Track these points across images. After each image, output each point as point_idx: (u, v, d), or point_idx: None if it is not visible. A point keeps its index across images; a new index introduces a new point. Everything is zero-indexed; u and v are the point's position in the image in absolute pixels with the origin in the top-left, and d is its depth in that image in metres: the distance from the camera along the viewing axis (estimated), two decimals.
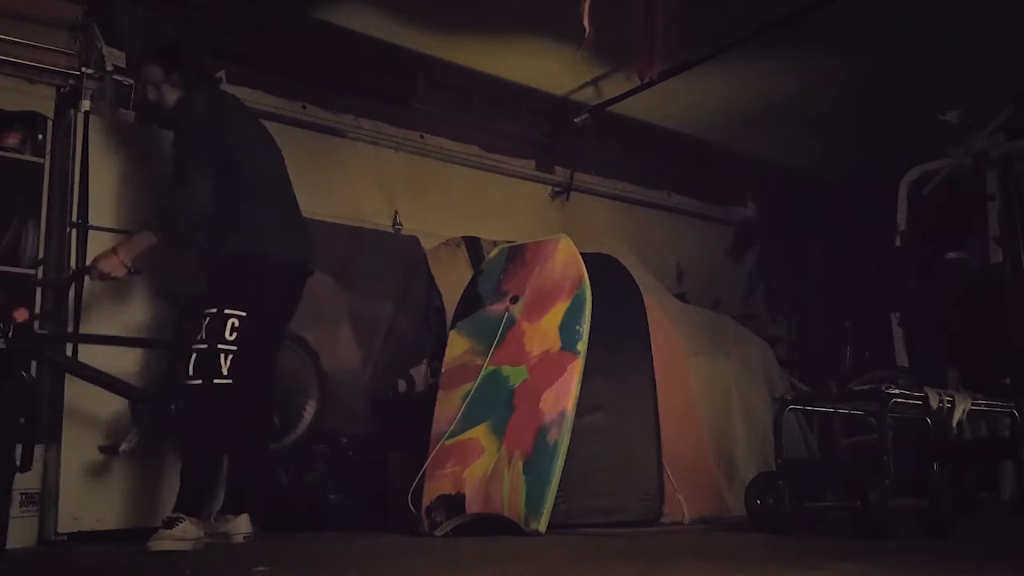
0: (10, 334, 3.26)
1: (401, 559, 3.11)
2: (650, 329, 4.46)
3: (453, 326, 4.49)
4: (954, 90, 5.73)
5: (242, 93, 4.99)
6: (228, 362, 3.43)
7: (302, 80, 5.20)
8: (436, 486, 3.94)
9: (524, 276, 4.30)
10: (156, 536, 3.24)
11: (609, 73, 5.74)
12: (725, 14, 4.88)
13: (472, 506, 3.83)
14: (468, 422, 4.03)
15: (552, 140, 6.39)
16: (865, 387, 4.30)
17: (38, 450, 3.69)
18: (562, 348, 3.97)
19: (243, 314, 3.48)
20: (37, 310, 3.80)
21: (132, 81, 4.18)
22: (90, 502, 3.74)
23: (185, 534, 3.26)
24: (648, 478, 4.13)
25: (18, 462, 3.17)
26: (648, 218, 6.89)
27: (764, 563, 2.79)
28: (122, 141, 4.06)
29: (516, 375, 4.03)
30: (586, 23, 4.12)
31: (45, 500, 3.69)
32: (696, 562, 2.85)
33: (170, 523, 3.27)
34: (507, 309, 4.23)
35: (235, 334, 3.45)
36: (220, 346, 3.42)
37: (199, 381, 3.42)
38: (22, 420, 3.18)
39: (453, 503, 3.86)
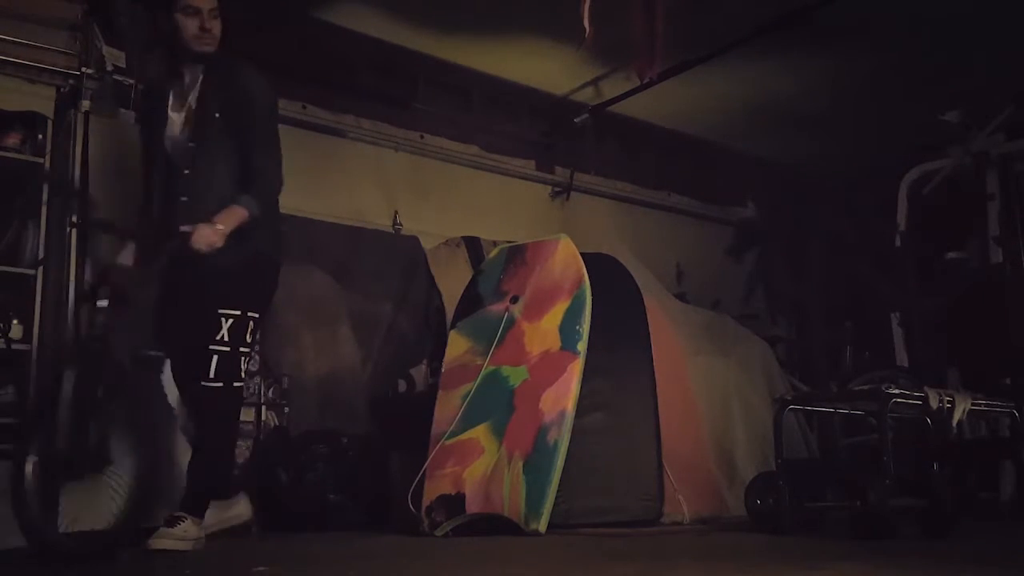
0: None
1: (401, 559, 3.10)
2: (650, 329, 4.46)
3: (453, 326, 4.49)
4: (954, 90, 5.72)
5: None
6: (245, 365, 3.44)
7: (302, 80, 5.20)
8: (436, 486, 3.94)
9: (524, 276, 4.30)
10: (157, 534, 3.24)
11: (609, 73, 5.74)
12: (725, 14, 4.89)
13: (472, 506, 3.83)
14: (468, 422, 4.03)
15: (552, 140, 6.39)
16: (865, 387, 4.30)
17: None
18: (562, 348, 3.97)
19: (258, 317, 3.47)
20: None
21: (132, 81, 4.18)
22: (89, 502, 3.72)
23: (186, 534, 3.26)
24: (648, 478, 4.13)
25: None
26: (648, 218, 6.89)
27: (764, 563, 2.79)
28: (122, 141, 4.06)
29: (516, 375, 4.03)
30: (586, 23, 4.12)
31: None
32: (696, 562, 2.85)
33: (172, 522, 3.26)
34: (507, 309, 4.23)
35: (251, 337, 3.43)
36: (242, 349, 3.39)
37: (220, 384, 3.36)
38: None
39: (453, 503, 3.87)
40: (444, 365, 4.37)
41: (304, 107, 5.22)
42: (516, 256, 4.44)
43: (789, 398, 4.21)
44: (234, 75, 3.44)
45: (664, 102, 5.97)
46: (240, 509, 3.60)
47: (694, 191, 7.20)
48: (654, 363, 4.38)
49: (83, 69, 4.12)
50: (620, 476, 4.04)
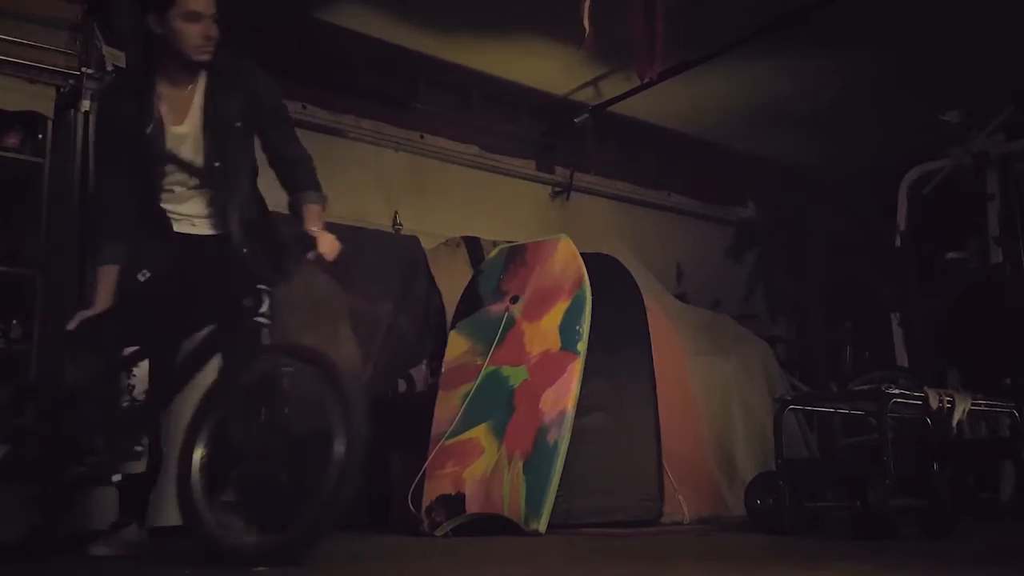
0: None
1: (401, 559, 3.11)
2: (650, 329, 4.46)
3: (453, 326, 4.49)
4: (954, 90, 5.72)
5: None
6: None
7: (302, 80, 5.20)
8: (436, 486, 3.94)
9: (524, 276, 4.30)
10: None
11: (609, 73, 5.74)
12: (725, 14, 4.88)
13: (472, 506, 3.83)
14: (468, 422, 4.03)
15: (552, 140, 6.39)
16: (865, 387, 4.29)
17: None
18: (562, 348, 3.97)
19: None
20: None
21: None
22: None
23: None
24: (648, 478, 4.13)
25: None
26: (648, 218, 6.90)
27: (764, 563, 2.79)
28: None
29: (516, 375, 4.03)
30: (586, 23, 4.12)
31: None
32: (696, 562, 2.84)
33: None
34: (507, 309, 4.23)
35: None
36: None
37: None
38: None
39: (453, 503, 3.86)
40: (444, 365, 4.37)
41: (304, 107, 5.22)
42: (516, 256, 4.44)
43: (789, 398, 4.21)
44: (244, 78, 3.17)
45: (664, 102, 5.97)
46: None
47: (694, 191, 7.21)
48: (654, 363, 4.37)
49: (83, 69, 4.10)
50: (620, 476, 4.04)
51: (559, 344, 3.99)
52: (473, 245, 5.62)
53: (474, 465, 3.91)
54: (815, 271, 7.33)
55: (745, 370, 5.28)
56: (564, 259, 4.22)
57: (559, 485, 3.71)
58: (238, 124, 3.13)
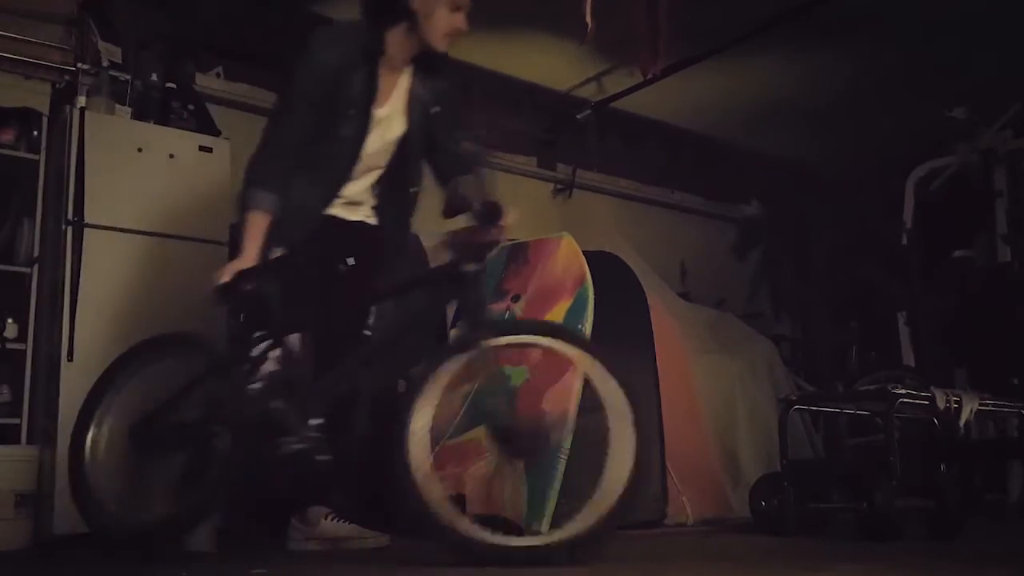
0: None
1: (401, 559, 3.06)
2: (653, 328, 4.43)
3: (453, 325, 4.45)
4: (961, 86, 5.68)
5: (241, 89, 4.97)
6: None
7: None
8: None
9: (526, 275, 4.27)
10: None
11: (612, 69, 5.71)
12: (729, 9, 4.85)
13: (472, 506, 3.79)
14: (469, 423, 3.99)
15: (554, 137, 6.36)
16: (871, 387, 4.27)
17: (32, 450, 3.67)
18: None
19: None
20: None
21: (128, 77, 4.14)
22: None
23: None
24: (651, 479, 4.09)
25: None
26: (651, 216, 6.86)
27: (769, 565, 2.76)
28: (118, 137, 4.02)
29: (517, 375, 4.00)
30: (589, 19, 4.09)
31: (41, 502, 3.65)
32: (700, 564, 2.82)
33: None
34: (508, 308, 4.19)
35: None
36: None
37: None
38: None
39: (453, 504, 3.82)
40: None
41: None
42: (517, 254, 4.40)
43: (794, 398, 4.19)
44: (443, 65, 3.12)
45: (667, 98, 5.94)
46: None
47: (698, 188, 7.17)
48: (657, 362, 4.34)
49: (79, 65, 4.07)
50: None
51: None
52: None
53: (475, 466, 3.87)
54: (820, 269, 7.28)
55: (750, 369, 5.24)
56: (566, 257, 4.18)
57: (561, 486, 3.67)
58: (436, 109, 3.16)
